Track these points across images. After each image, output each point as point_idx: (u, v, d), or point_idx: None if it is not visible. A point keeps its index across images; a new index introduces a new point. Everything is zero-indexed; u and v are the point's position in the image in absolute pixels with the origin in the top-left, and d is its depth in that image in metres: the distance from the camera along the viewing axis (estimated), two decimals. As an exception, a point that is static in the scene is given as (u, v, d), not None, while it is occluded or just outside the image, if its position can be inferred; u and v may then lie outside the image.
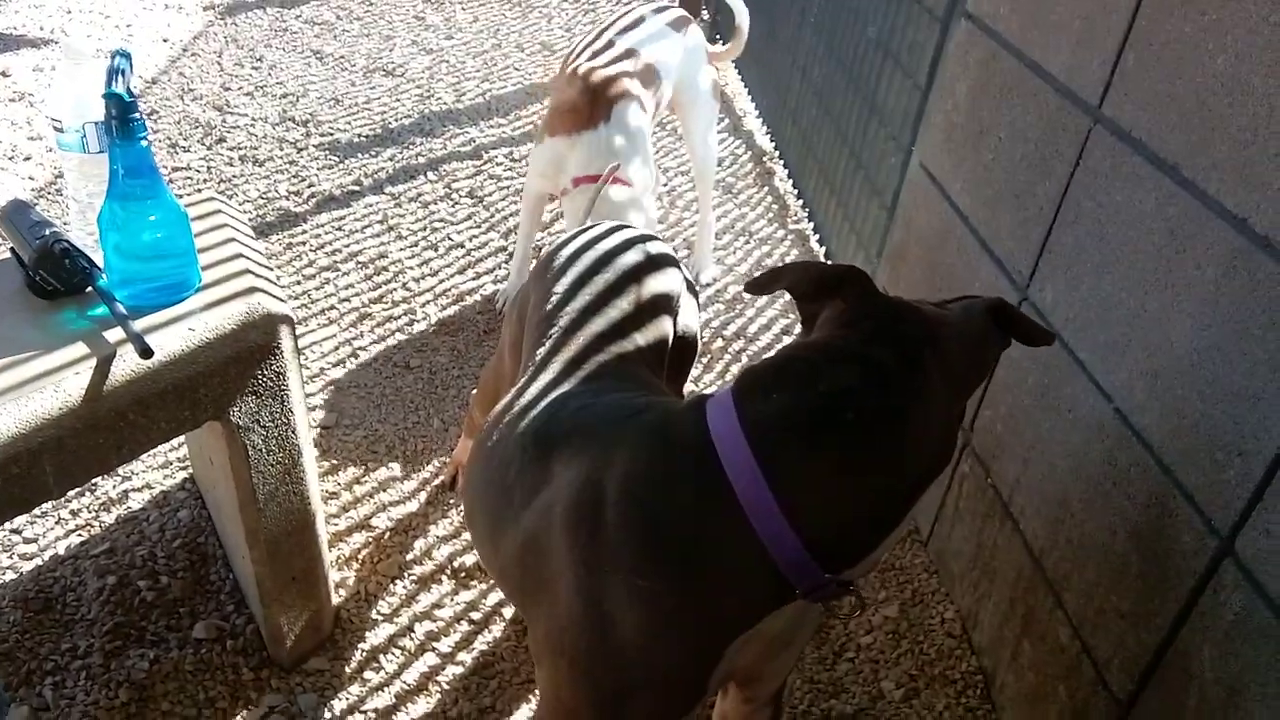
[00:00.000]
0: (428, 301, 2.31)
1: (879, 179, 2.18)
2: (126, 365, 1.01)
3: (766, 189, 2.99)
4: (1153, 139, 1.12)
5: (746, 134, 3.34)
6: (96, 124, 1.08)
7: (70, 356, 1.00)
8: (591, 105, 2.05)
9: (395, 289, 2.33)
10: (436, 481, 1.78)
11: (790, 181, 2.97)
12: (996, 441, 1.47)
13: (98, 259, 1.10)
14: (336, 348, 2.11)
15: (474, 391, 1.68)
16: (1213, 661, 0.99)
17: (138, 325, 1.03)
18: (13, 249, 1.13)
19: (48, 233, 1.08)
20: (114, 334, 1.03)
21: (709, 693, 0.91)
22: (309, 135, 2.96)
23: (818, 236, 2.66)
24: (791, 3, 3.01)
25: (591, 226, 1.37)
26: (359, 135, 3.00)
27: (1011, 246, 1.45)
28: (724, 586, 0.82)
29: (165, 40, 3.54)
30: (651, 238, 1.33)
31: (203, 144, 2.86)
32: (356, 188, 2.72)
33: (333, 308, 2.24)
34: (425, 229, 2.58)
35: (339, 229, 2.54)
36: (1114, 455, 1.17)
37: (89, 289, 1.09)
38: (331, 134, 2.99)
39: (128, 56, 1.04)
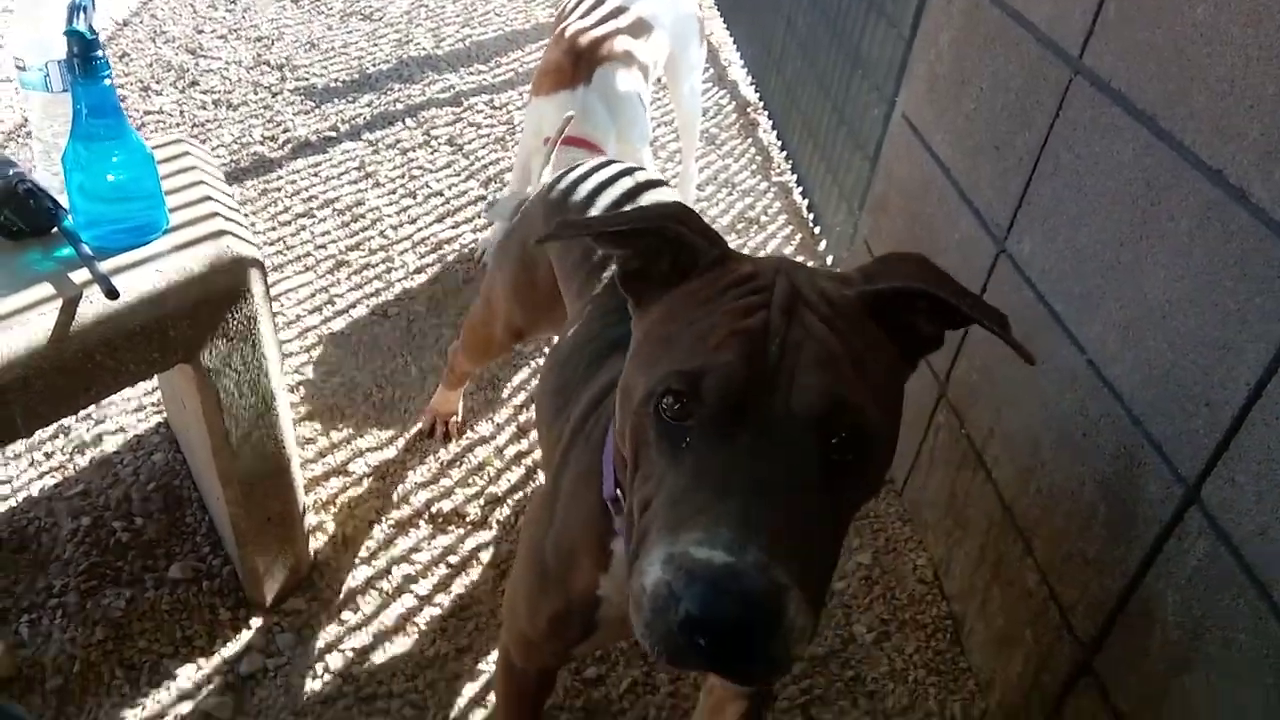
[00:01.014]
0: (405, 250, 2.29)
1: (862, 131, 2.16)
2: (93, 306, 1.00)
3: (750, 140, 2.96)
4: (1132, 89, 1.11)
5: (731, 84, 3.30)
6: (60, 62, 1.05)
7: (36, 297, 0.99)
8: (574, 66, 2.05)
9: (373, 236, 2.31)
10: (415, 429, 1.78)
11: (774, 133, 2.95)
12: (971, 392, 1.48)
13: (63, 200, 1.08)
14: (313, 295, 2.09)
15: (455, 343, 1.67)
16: (1175, 606, 1.02)
17: (104, 266, 1.02)
18: (-24, 188, 1.10)
19: (11, 173, 1.06)
20: (80, 275, 1.02)
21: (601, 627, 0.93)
22: (284, 80, 2.90)
23: (800, 189, 2.65)
24: (778, -51, 2.96)
25: (578, 166, 1.37)
26: (336, 80, 2.95)
27: (990, 198, 1.45)
28: (593, 485, 0.88)
29: (135, -22, 3.45)
30: (640, 168, 1.35)
31: (175, 87, 2.80)
32: (333, 134, 2.68)
33: (309, 255, 2.22)
34: (403, 176, 2.55)
35: (315, 175, 2.50)
36: (1085, 405, 1.18)
37: (54, 230, 1.07)
38: (307, 79, 2.93)
39: (89, -10, 1.01)
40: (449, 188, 2.53)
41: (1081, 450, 1.19)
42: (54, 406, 1.00)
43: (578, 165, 1.38)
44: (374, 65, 3.07)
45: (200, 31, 3.10)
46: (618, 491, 0.81)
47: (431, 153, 2.67)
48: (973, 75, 1.53)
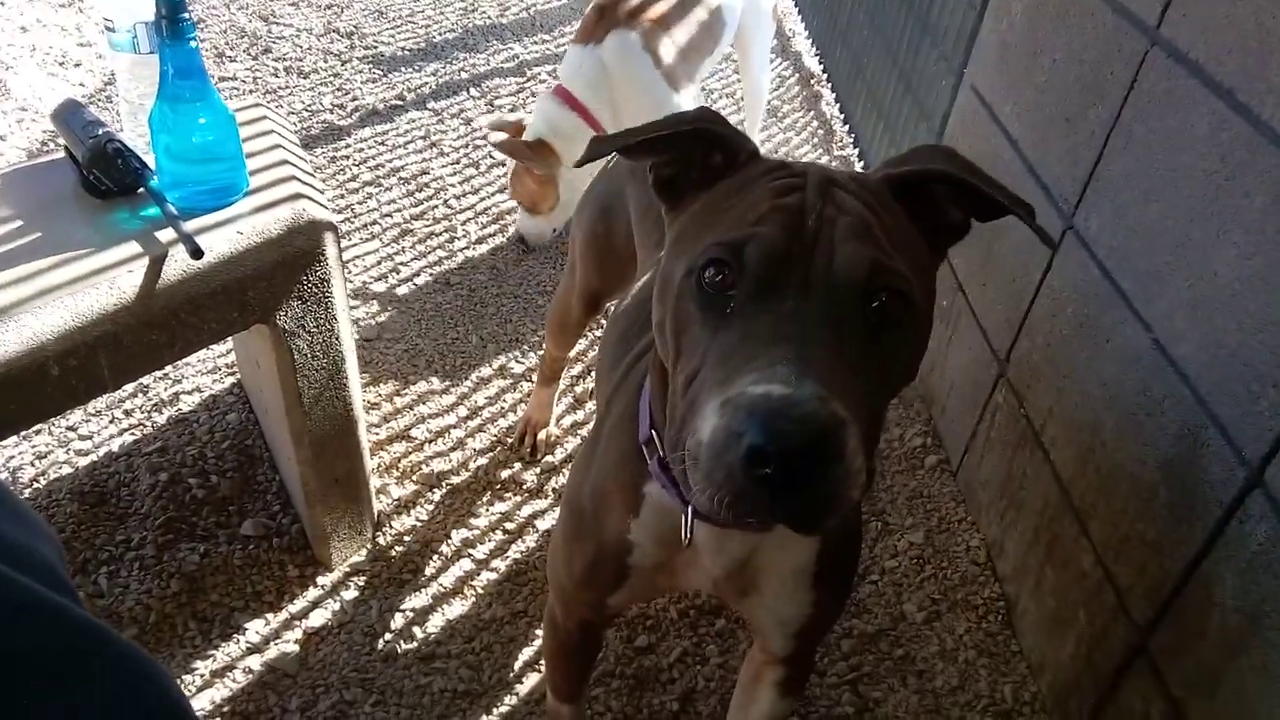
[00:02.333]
0: (468, 219, 2.32)
1: (929, 102, 2.13)
2: (178, 265, 1.05)
3: (812, 113, 2.93)
4: (1209, 61, 1.08)
5: (794, 55, 3.26)
6: (147, 24, 1.10)
7: (124, 255, 1.03)
8: (595, 22, 2.05)
9: (436, 205, 2.35)
10: (484, 409, 1.82)
11: (837, 106, 2.91)
12: (1032, 372, 1.47)
13: (149, 160, 1.12)
14: (379, 262, 2.14)
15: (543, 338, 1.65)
16: (1235, 590, 1.00)
17: (188, 226, 1.06)
18: (67, 148, 1.15)
19: (100, 132, 1.10)
20: (165, 234, 1.06)
21: (634, 577, 0.94)
22: (353, 48, 2.95)
23: (863, 163, 2.62)
24: (846, -82, 2.91)
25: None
26: (402, 49, 2.99)
27: (1059, 173, 1.42)
28: (629, 429, 0.89)
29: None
30: None
31: (249, 54, 2.86)
32: (399, 102, 2.72)
33: (375, 223, 2.26)
34: (467, 146, 2.58)
35: (382, 144, 2.55)
36: (1149, 385, 1.17)
37: (141, 189, 1.11)
38: (375, 47, 2.97)
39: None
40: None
41: (1144, 431, 1.17)
42: (140, 362, 1.05)
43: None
44: (440, 34, 3.10)
45: None
46: (652, 433, 0.83)
47: (495, 123, 2.69)
48: (1045, 46, 1.50)
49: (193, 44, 1.05)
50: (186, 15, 1.03)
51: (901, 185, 0.72)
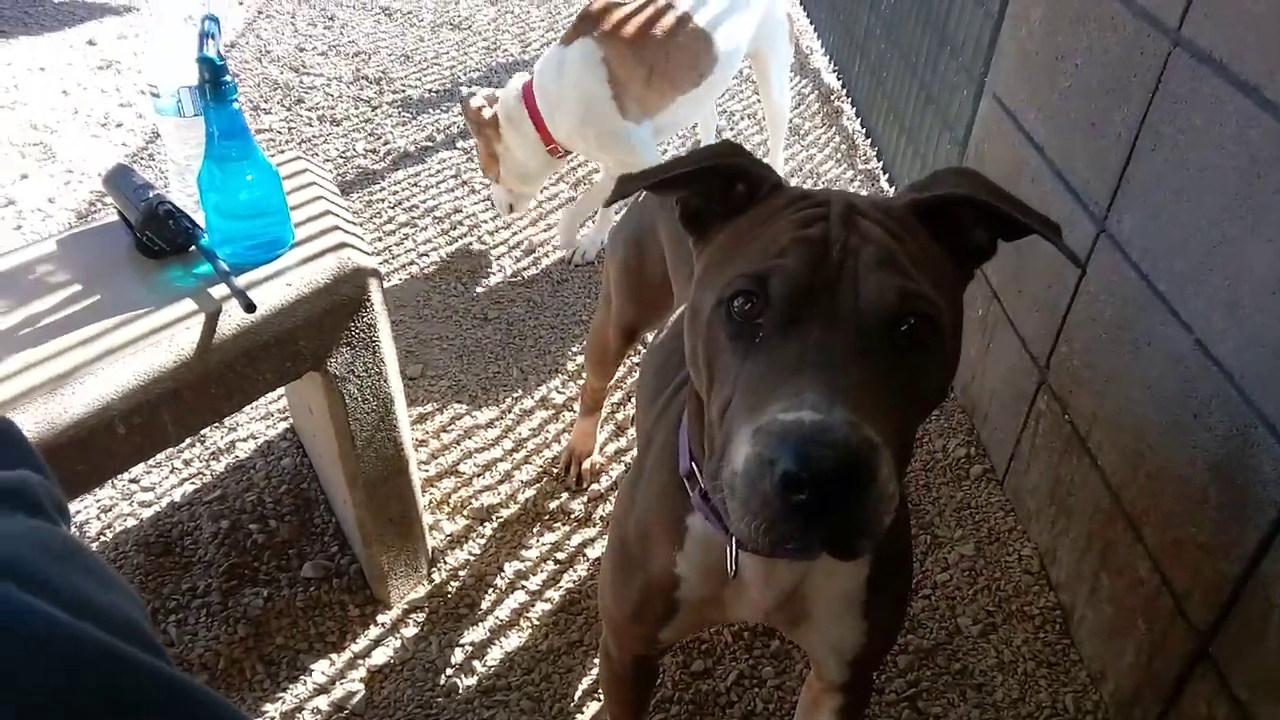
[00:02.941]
0: (503, 254, 2.36)
1: (950, 112, 2.14)
2: (232, 319, 1.08)
3: (834, 129, 2.95)
4: (1234, 60, 1.09)
5: (813, 72, 3.28)
6: (190, 88, 1.14)
7: (180, 313, 1.07)
8: (576, 26, 2.06)
9: (471, 242, 2.39)
10: (529, 441, 1.85)
11: (858, 120, 2.93)
12: (1073, 377, 1.46)
13: (198, 219, 1.16)
14: (419, 301, 2.19)
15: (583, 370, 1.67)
16: (1294, 589, 0.99)
17: (240, 281, 1.10)
18: (119, 211, 1.20)
19: (151, 195, 1.15)
20: (219, 290, 1.10)
21: (682, 612, 0.95)
22: (382, 93, 3.02)
23: (887, 176, 2.63)
24: (859, -66, 2.94)
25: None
26: (430, 91, 3.05)
27: (1088, 177, 1.42)
28: (669, 462, 0.91)
29: (241, 3, 3.63)
30: None
31: (283, 105, 2.94)
32: (430, 143, 2.78)
33: (413, 262, 2.31)
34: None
35: (415, 185, 2.60)
36: (1193, 386, 1.16)
37: (192, 248, 1.16)
38: (403, 90, 3.04)
39: (216, 20, 1.09)
40: (540, 190, 2.60)
41: (1191, 432, 1.16)
42: (200, 415, 1.09)
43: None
44: (465, 74, 3.16)
45: (302, 50, 3.25)
46: (693, 465, 0.84)
47: (522, 158, 2.74)
48: (1066, 52, 1.50)
49: (235, 105, 1.09)
50: (228, 78, 1.07)
51: (926, 210, 0.73)
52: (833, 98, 3.11)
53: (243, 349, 1.10)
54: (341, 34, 3.38)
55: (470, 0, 3.70)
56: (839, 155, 2.81)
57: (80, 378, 0.98)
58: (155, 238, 1.14)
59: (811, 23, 3.58)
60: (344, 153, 2.71)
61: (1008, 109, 1.73)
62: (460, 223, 2.46)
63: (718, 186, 0.78)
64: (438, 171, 2.66)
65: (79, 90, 2.94)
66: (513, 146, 2.16)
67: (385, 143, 2.78)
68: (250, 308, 1.07)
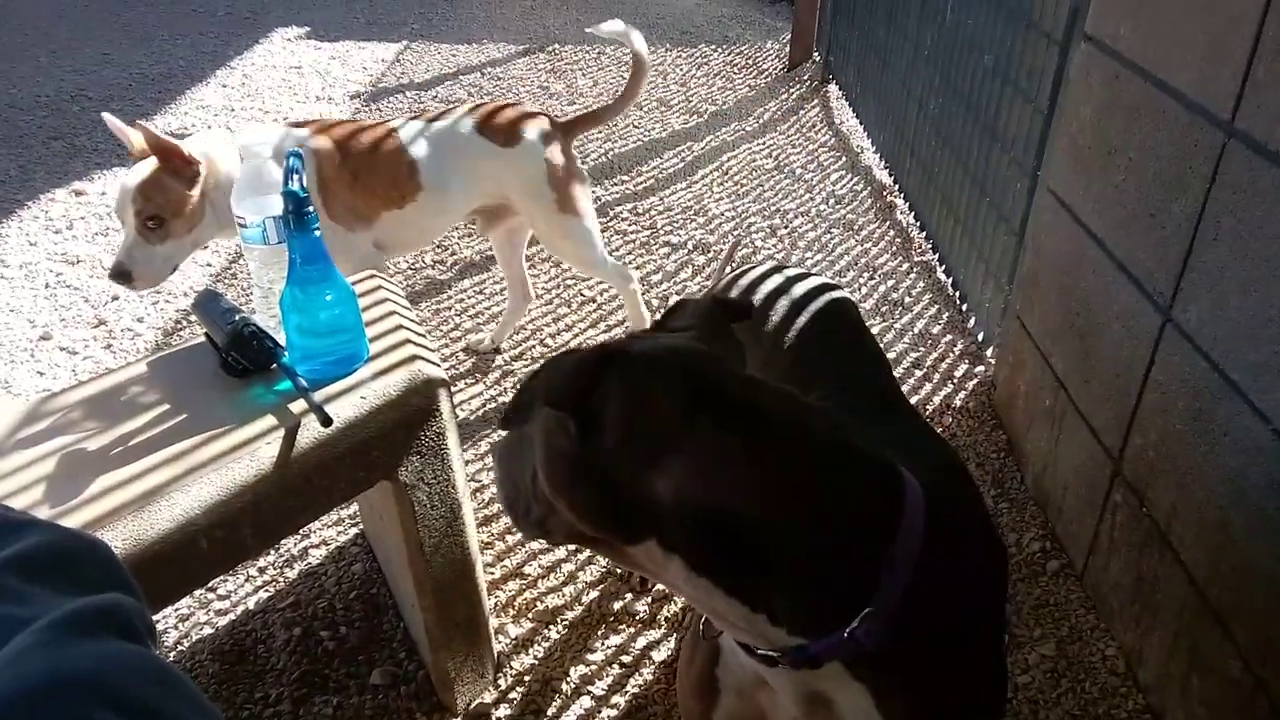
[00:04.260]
0: (564, 356, 2.41)
1: (1005, 205, 2.15)
2: (309, 433, 1.13)
3: (888, 223, 2.98)
4: (1290, 151, 1.09)
5: (864, 169, 3.34)
6: (275, 218, 1.22)
7: (261, 428, 1.12)
8: (295, 122, 2.01)
9: (534, 346, 2.45)
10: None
11: (912, 214, 2.96)
12: (1149, 468, 1.43)
13: (279, 339, 1.23)
14: (483, 406, 2.23)
15: None
16: (1404, 694, 0.94)
17: (317, 397, 1.15)
18: (207, 334, 1.27)
19: (237, 318, 1.21)
20: (297, 406, 1.15)
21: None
22: (447, 206, 3.16)
23: (944, 268, 2.64)
24: (904, 37, 3.03)
25: (750, 269, 1.43)
26: (492, 203, 3.18)
27: (1151, 267, 1.42)
28: None
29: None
30: (808, 274, 1.40)
31: (353, 223, 3.09)
32: (492, 251, 2.88)
33: (478, 368, 2.37)
34: (558, 286, 2.71)
35: (480, 292, 2.69)
36: (1276, 478, 1.12)
37: (273, 366, 1.21)
38: (467, 204, 3.17)
39: (300, 157, 1.17)
40: (600, 294, 2.66)
41: (1277, 524, 1.12)
42: (278, 527, 1.13)
43: (750, 268, 1.44)
44: (525, 186, 3.29)
45: (372, 171, 3.43)
46: None
47: (582, 262, 2.82)
48: (1119, 145, 1.52)
49: (316, 233, 1.16)
50: (310, 209, 1.14)
51: None
52: (885, 193, 3.16)
53: (319, 461, 1.14)
54: (410, 152, 3.56)
55: (530, 115, 3.88)
56: (894, 249, 2.83)
57: (167, 494, 1.03)
58: (240, 357, 1.20)
59: (861, 123, 3.66)
60: (413, 264, 2.82)
61: (1064, 202, 1.74)
62: (523, 328, 2.53)
63: None
64: (501, 279, 2.74)
65: (168, 214, 3.14)
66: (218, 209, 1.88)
67: (452, 254, 2.89)
68: (327, 422, 1.11)
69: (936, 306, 2.53)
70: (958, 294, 2.51)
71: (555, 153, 2.12)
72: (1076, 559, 1.68)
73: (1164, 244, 1.37)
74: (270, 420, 1.14)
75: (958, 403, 2.16)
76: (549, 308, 2.61)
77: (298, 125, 1.99)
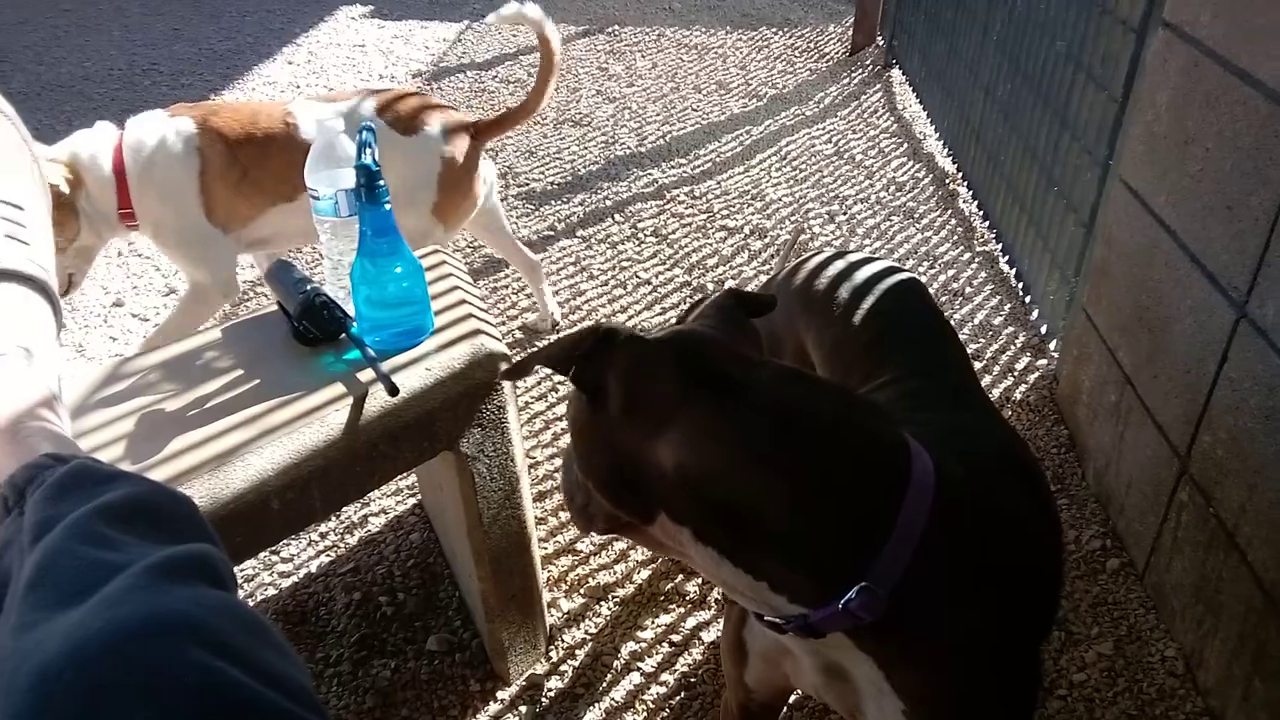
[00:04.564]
0: (619, 337, 2.42)
1: (1074, 195, 2.11)
2: (377, 402, 1.16)
3: (950, 211, 2.94)
4: (1384, 142, 1.05)
5: (927, 156, 3.29)
6: (347, 191, 1.25)
7: (331, 395, 1.15)
8: (182, 106, 1.94)
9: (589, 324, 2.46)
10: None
11: (975, 203, 2.91)
12: (1218, 467, 1.39)
13: (349, 309, 1.26)
14: (538, 383, 2.26)
15: None
16: None
17: (384, 367, 1.17)
18: (279, 302, 1.31)
19: (309, 288, 1.25)
20: (365, 375, 1.18)
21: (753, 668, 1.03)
22: (508, 186, 3.18)
23: (1007, 258, 2.59)
24: (972, 22, 2.97)
25: (816, 255, 1.42)
26: (551, 184, 3.20)
27: (1225, 261, 1.38)
28: None
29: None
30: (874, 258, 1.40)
31: (414, 200, 3.13)
32: (551, 233, 2.90)
33: (534, 345, 2.40)
34: (614, 268, 2.72)
35: (536, 272, 2.71)
36: (1354, 480, 1.09)
37: (343, 336, 1.24)
38: (527, 184, 3.20)
39: (373, 131, 1.19)
40: (656, 275, 2.67)
41: (1354, 529, 1.09)
42: (345, 492, 1.16)
43: (812, 255, 1.43)
44: (584, 167, 3.30)
45: (433, 150, 3.47)
46: None
47: (639, 244, 2.83)
48: (1196, 135, 1.48)
49: (387, 206, 1.18)
50: (382, 182, 1.17)
51: None
52: (947, 181, 3.11)
53: (385, 429, 1.16)
54: (470, 131, 3.60)
55: (590, 98, 3.88)
56: (955, 238, 2.79)
57: (242, 455, 1.06)
58: (311, 326, 1.23)
59: (924, 109, 3.60)
60: (472, 242, 2.85)
61: (1136, 193, 1.70)
62: (579, 307, 2.55)
63: None
64: (558, 259, 2.77)
65: (235, 188, 3.21)
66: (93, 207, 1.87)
67: (511, 232, 2.91)
68: (394, 391, 1.14)
69: (998, 298, 2.49)
70: (1021, 285, 2.46)
71: (457, 152, 2.02)
72: (1137, 558, 1.66)
73: (1241, 237, 1.34)
74: (339, 388, 1.17)
75: (1018, 396, 2.13)
76: (605, 289, 2.62)
77: (184, 111, 1.89)
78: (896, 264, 1.37)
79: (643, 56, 4.36)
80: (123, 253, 2.82)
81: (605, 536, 1.81)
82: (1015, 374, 2.21)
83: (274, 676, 0.51)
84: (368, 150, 1.16)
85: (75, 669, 0.47)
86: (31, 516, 0.68)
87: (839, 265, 1.34)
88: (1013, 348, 2.30)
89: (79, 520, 0.63)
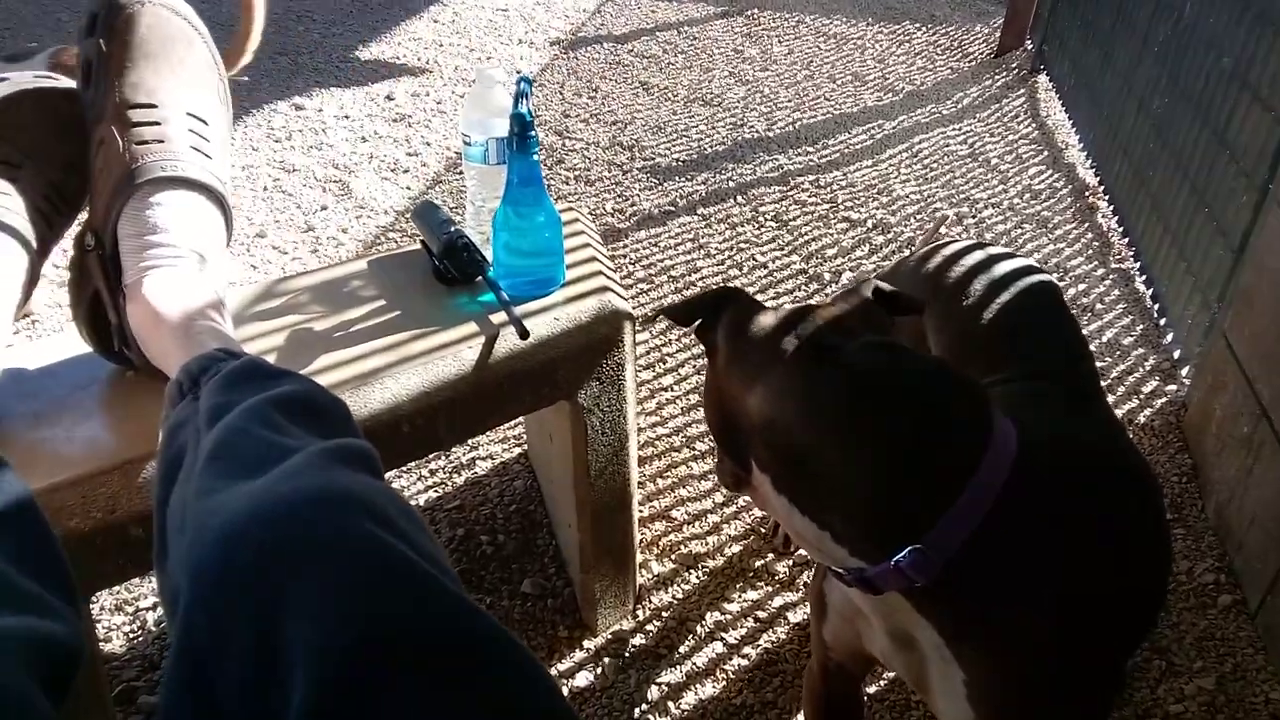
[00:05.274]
0: (731, 317, 2.43)
1: (1225, 218, 2.02)
2: (506, 344, 1.20)
3: (1086, 225, 2.84)
4: None
5: (1067, 166, 3.18)
6: (498, 140, 1.29)
7: (464, 333, 1.20)
8: None
9: (702, 303, 2.48)
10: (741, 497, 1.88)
11: (1115, 218, 2.80)
12: (1355, 511, 1.33)
13: (487, 254, 1.30)
14: (648, 352, 2.29)
15: None
16: None
17: (516, 311, 1.22)
18: (422, 241, 1.37)
19: (452, 230, 1.30)
20: (498, 317, 1.23)
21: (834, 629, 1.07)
22: (633, 159, 3.22)
23: (1144, 277, 2.49)
24: (1132, 32, 2.85)
25: (948, 243, 1.41)
26: (676, 160, 3.22)
27: (1392, 296, 1.31)
28: None
29: (517, 72, 4.00)
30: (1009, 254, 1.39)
31: (545, 165, 3.20)
32: (672, 208, 2.93)
33: (645, 317, 2.43)
34: (731, 249, 2.72)
35: (655, 245, 2.74)
36: None
37: (479, 278, 1.29)
38: (653, 158, 3.22)
39: (530, 82, 1.23)
40: (772, 260, 2.67)
41: None
42: (469, 426, 1.21)
43: (949, 242, 1.41)
44: (710, 146, 3.31)
45: (567, 116, 3.53)
46: None
47: (758, 228, 2.83)
48: (1374, 163, 1.40)
49: (535, 157, 1.22)
50: (533, 132, 1.20)
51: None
52: (1087, 193, 3.00)
53: (511, 371, 1.21)
54: (603, 105, 3.64)
55: (722, 79, 3.88)
56: (1089, 252, 2.69)
57: (380, 379, 1.12)
58: (450, 266, 1.29)
59: (1070, 117, 3.48)
60: (594, 210, 2.90)
61: (1296, 217, 1.61)
62: (694, 284, 2.57)
63: None
64: (677, 234, 2.79)
65: (375, 138, 3.33)
66: None
67: (632, 204, 2.95)
68: (524, 335, 1.18)
69: (1130, 317, 2.40)
70: (1156, 306, 2.37)
71: None
72: (1251, 596, 1.59)
73: None
74: (472, 327, 1.22)
75: (1141, 419, 2.05)
76: (720, 268, 2.63)
77: None
78: (1035, 264, 1.33)
79: (779, 42, 4.33)
80: (268, 188, 2.97)
81: (699, 508, 1.84)
82: (1141, 397, 2.13)
83: (434, 558, 0.55)
84: (524, 100, 1.20)
85: (259, 525, 0.52)
86: (207, 401, 0.75)
87: (977, 256, 1.32)
88: (1141, 369, 2.21)
89: (254, 406, 0.69)
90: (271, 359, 1.14)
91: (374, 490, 0.58)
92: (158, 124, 1.02)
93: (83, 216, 1.10)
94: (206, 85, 1.09)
